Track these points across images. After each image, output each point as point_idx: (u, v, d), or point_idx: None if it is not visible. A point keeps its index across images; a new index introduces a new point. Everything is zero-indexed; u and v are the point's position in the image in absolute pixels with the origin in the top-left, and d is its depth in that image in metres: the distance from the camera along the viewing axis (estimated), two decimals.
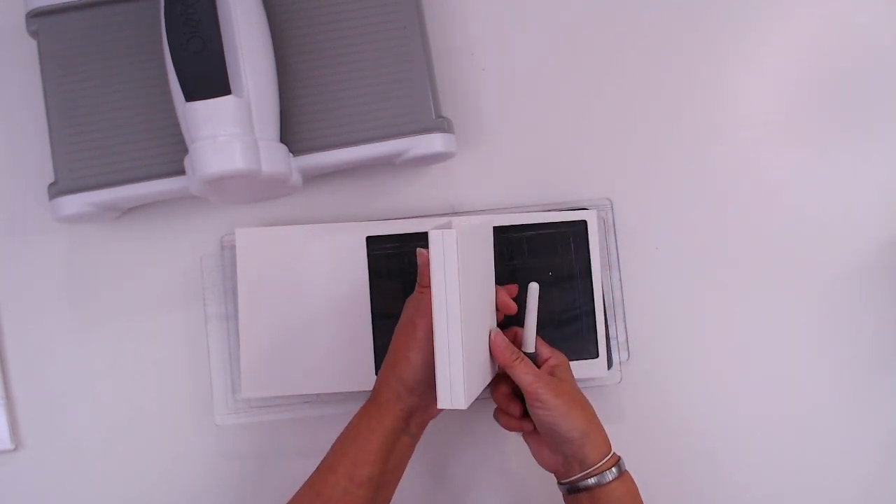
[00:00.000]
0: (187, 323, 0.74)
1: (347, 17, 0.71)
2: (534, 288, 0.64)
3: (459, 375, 0.58)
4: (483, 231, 0.67)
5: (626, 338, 0.74)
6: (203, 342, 0.74)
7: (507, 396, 0.67)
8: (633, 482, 0.64)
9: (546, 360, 0.66)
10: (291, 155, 0.69)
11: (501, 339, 0.64)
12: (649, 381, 0.75)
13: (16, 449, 0.74)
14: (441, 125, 0.70)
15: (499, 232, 0.72)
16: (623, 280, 0.75)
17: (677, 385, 0.75)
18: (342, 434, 0.63)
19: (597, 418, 0.64)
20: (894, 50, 0.78)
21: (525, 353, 0.65)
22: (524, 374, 0.63)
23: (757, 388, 0.75)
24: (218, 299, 0.73)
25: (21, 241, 0.75)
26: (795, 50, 0.79)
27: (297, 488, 0.74)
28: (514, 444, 0.71)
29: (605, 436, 0.64)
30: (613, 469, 0.63)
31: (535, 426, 0.65)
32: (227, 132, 0.63)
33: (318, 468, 0.63)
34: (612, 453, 0.64)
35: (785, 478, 0.75)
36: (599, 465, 0.63)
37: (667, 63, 0.78)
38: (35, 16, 0.70)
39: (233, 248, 0.73)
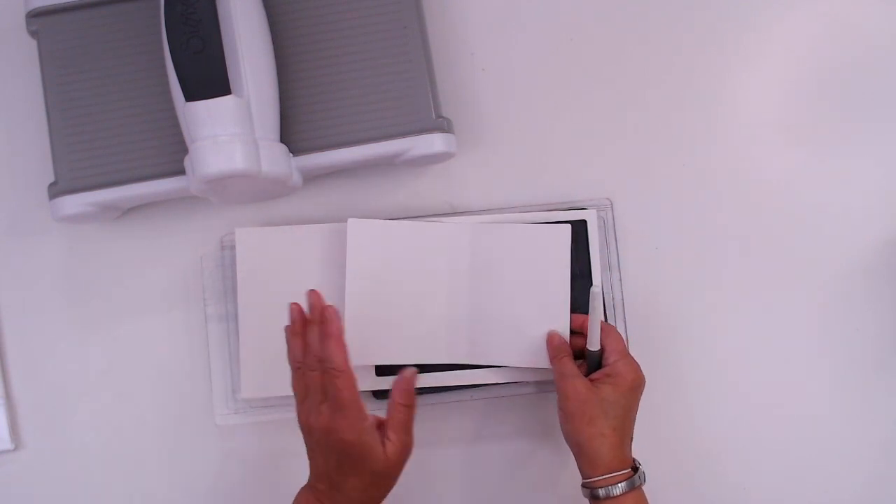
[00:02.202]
0: (187, 323, 0.74)
1: (347, 17, 0.71)
2: (595, 292, 0.65)
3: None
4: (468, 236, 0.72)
5: (627, 338, 0.74)
6: (203, 342, 0.74)
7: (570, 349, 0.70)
8: (644, 499, 0.66)
9: (609, 363, 0.67)
10: (291, 155, 0.69)
11: (554, 336, 0.70)
12: (649, 382, 0.75)
13: (16, 449, 0.74)
14: (441, 125, 0.70)
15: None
16: (623, 280, 0.75)
17: (677, 385, 0.75)
18: None
19: (610, 437, 0.65)
20: (894, 50, 0.78)
21: (591, 350, 0.68)
22: (556, 369, 0.68)
23: (757, 387, 0.75)
24: (218, 299, 0.73)
25: (21, 241, 0.75)
26: (795, 50, 0.79)
27: (296, 488, 0.74)
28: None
29: (617, 454, 0.65)
30: (621, 485, 0.64)
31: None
32: (227, 132, 0.63)
33: None
34: (625, 470, 0.65)
35: (785, 477, 0.75)
36: (601, 478, 0.65)
37: (667, 63, 0.78)
38: (35, 16, 0.70)
39: (233, 248, 0.73)
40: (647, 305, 0.75)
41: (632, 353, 0.74)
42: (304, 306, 0.71)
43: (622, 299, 0.75)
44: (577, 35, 0.78)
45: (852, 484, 0.75)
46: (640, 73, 0.78)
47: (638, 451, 0.70)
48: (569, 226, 0.72)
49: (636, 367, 0.67)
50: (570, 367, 0.68)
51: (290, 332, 0.64)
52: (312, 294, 0.64)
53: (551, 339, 0.70)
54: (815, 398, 0.75)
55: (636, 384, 0.67)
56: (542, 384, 0.73)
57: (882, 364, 0.76)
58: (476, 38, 0.77)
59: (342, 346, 0.60)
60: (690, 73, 0.78)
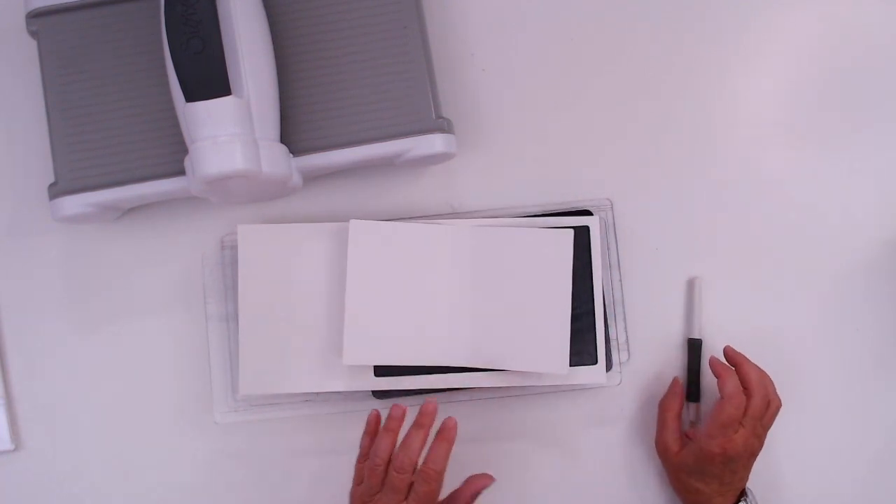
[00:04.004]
0: (187, 323, 0.74)
1: (348, 17, 0.71)
2: (693, 281, 0.74)
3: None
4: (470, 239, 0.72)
5: (627, 338, 0.74)
6: (203, 342, 0.74)
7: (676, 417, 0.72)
8: None
9: (703, 433, 0.67)
10: (291, 155, 0.69)
11: (676, 383, 0.73)
12: (649, 382, 0.75)
13: (16, 449, 0.74)
14: (441, 126, 0.70)
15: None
16: (623, 280, 0.75)
17: None
18: None
19: (695, 494, 0.67)
20: (894, 50, 0.78)
21: (692, 339, 0.73)
22: (659, 416, 0.72)
23: None
24: (218, 299, 0.73)
25: (21, 241, 0.75)
26: (795, 50, 0.79)
27: (295, 486, 0.74)
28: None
29: (705, 499, 0.67)
30: None
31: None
32: (228, 132, 0.63)
33: None
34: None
35: (784, 476, 0.75)
36: None
37: (667, 63, 0.78)
38: (35, 16, 0.70)
39: (233, 248, 0.73)
40: (646, 305, 0.75)
41: (632, 353, 0.74)
42: (306, 303, 0.71)
43: (622, 299, 0.75)
44: (577, 35, 0.78)
45: (852, 483, 0.75)
46: (640, 73, 0.78)
47: (636, 451, 0.70)
48: (571, 231, 0.72)
49: (727, 445, 0.65)
50: (672, 422, 0.70)
51: (385, 428, 0.63)
52: (430, 405, 0.64)
53: (672, 386, 0.73)
54: (815, 398, 0.75)
55: (726, 458, 0.66)
56: (541, 387, 0.73)
57: (882, 364, 0.76)
58: (476, 38, 0.77)
59: (448, 455, 0.62)
60: (690, 73, 0.78)
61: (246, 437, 0.74)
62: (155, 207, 0.75)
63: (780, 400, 0.68)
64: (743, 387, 0.67)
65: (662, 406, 0.72)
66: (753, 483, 0.70)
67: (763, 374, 0.68)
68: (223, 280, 0.74)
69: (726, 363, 0.69)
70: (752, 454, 0.67)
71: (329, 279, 0.72)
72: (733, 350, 0.70)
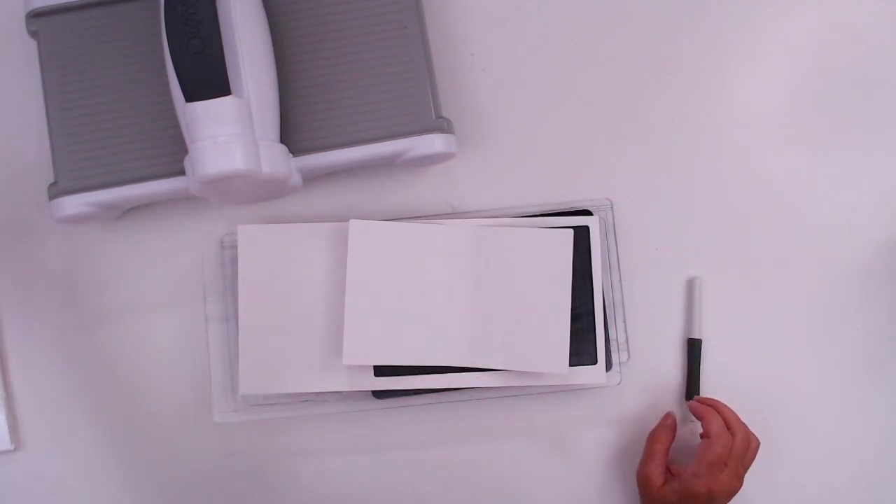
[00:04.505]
0: (187, 323, 0.74)
1: (347, 17, 0.71)
2: (692, 281, 0.74)
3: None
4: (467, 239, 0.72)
5: (626, 338, 0.74)
6: (203, 342, 0.74)
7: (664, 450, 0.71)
8: None
9: (688, 472, 0.67)
10: (291, 155, 0.69)
11: (668, 416, 0.72)
12: (649, 383, 0.75)
13: (16, 449, 0.74)
14: (441, 126, 0.70)
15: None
16: (623, 280, 0.75)
17: (677, 386, 0.75)
18: None
19: None
20: (894, 50, 0.78)
21: (691, 339, 0.74)
22: (647, 447, 0.71)
23: (755, 388, 0.75)
24: (218, 299, 0.73)
25: (21, 241, 0.75)
26: (796, 50, 0.79)
27: (295, 486, 0.75)
28: None
29: None
30: None
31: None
32: (227, 132, 0.63)
33: None
34: None
35: (784, 477, 0.75)
36: None
37: (667, 63, 0.78)
38: (35, 16, 0.70)
39: (233, 248, 0.73)
40: (646, 305, 0.75)
41: (632, 353, 0.74)
42: (306, 303, 0.71)
43: (622, 299, 0.75)
44: (577, 35, 0.78)
45: (851, 484, 0.75)
46: (641, 72, 0.78)
47: (636, 451, 0.70)
48: (571, 231, 0.72)
49: (714, 486, 0.66)
50: (660, 455, 0.69)
51: None
52: None
53: (665, 419, 0.72)
54: (815, 398, 0.75)
55: (710, 498, 0.66)
56: (541, 387, 0.73)
57: (881, 364, 0.76)
58: (476, 38, 0.77)
59: None
60: (691, 73, 0.78)
61: (246, 437, 0.74)
62: (155, 207, 0.75)
63: (757, 439, 0.69)
64: None
65: (652, 438, 0.71)
66: (751, 481, 0.70)
67: (738, 416, 0.70)
68: (223, 280, 0.74)
69: (707, 405, 0.70)
70: (732, 495, 0.68)
71: (329, 279, 0.72)
72: (702, 398, 0.72)
